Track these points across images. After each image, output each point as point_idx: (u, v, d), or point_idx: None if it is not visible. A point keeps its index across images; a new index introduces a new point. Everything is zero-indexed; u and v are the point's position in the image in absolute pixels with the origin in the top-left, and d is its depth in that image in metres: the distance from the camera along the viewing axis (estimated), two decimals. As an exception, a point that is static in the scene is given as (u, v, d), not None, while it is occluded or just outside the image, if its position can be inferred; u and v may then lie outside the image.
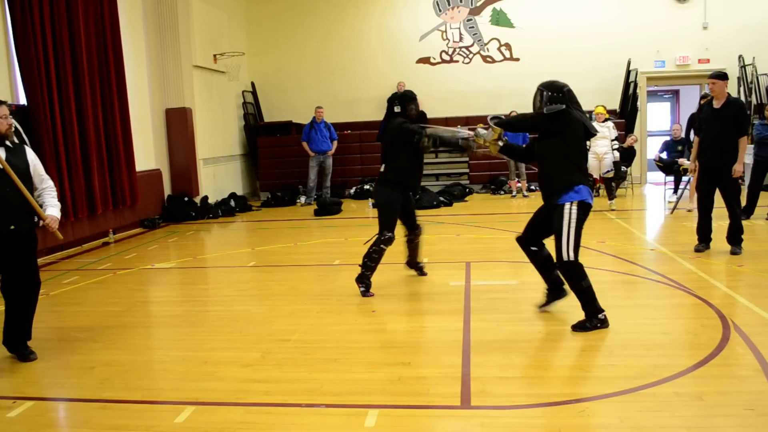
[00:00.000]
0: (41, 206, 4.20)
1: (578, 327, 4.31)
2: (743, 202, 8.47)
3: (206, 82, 12.06)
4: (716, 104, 6.40)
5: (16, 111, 7.43)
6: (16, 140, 4.21)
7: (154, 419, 3.24)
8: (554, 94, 4.36)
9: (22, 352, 4.18)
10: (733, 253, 6.45)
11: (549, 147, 4.40)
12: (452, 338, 4.21)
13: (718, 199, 6.47)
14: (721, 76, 6.38)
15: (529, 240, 4.68)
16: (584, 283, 4.27)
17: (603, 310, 4.32)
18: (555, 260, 4.40)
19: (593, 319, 4.30)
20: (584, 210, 4.30)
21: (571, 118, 4.32)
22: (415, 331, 4.49)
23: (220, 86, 12.77)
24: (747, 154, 10.86)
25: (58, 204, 4.32)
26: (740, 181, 7.38)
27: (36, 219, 4.16)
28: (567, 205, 4.25)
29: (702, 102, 9.05)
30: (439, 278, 5.92)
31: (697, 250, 6.62)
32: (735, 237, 6.52)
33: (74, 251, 8.21)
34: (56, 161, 7.79)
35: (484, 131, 4.73)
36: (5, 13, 7.45)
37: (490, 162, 13.34)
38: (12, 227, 4.00)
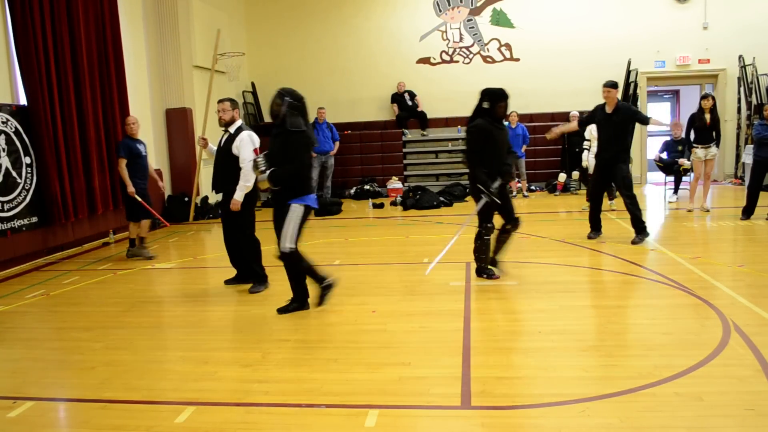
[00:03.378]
0: None
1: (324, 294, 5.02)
2: (744, 202, 8.48)
3: (206, 82, 12.03)
4: (608, 109, 7.19)
5: (16, 111, 7.44)
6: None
7: (154, 419, 3.23)
8: (294, 102, 4.80)
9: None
10: (634, 242, 7.01)
11: (289, 160, 4.85)
12: (452, 338, 4.21)
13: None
14: (614, 85, 7.19)
15: None
16: (304, 264, 4.95)
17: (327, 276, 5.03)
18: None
19: (323, 283, 5.00)
20: (307, 211, 4.89)
21: (308, 140, 4.86)
22: (415, 331, 4.48)
23: (221, 86, 12.73)
24: (746, 154, 10.92)
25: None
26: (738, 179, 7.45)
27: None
28: (294, 206, 4.82)
29: (692, 107, 9.03)
30: (439, 278, 5.91)
31: (590, 237, 7.43)
32: (637, 225, 7.09)
33: (74, 251, 8.21)
34: (56, 161, 7.78)
35: (261, 172, 4.91)
36: (5, 13, 7.45)
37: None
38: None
